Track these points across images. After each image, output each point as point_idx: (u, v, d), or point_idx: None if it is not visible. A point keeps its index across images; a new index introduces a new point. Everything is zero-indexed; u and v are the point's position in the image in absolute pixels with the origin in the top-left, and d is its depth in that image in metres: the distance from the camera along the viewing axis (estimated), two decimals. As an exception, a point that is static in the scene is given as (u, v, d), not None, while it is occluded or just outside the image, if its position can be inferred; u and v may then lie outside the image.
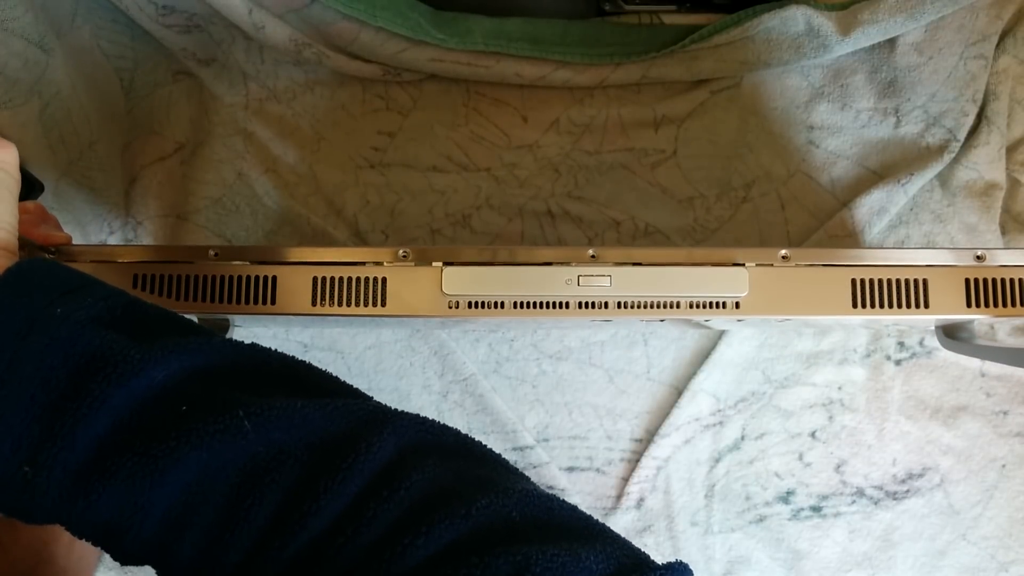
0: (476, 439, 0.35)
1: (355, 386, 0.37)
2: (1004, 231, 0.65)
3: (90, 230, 0.64)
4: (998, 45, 0.65)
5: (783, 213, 0.66)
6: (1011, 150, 0.65)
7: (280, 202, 0.66)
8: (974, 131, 0.65)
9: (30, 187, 0.57)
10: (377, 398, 0.36)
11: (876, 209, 0.64)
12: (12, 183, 0.37)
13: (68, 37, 0.60)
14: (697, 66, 0.65)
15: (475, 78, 0.66)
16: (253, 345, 0.35)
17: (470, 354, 0.65)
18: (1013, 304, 0.47)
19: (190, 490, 0.30)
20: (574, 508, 0.33)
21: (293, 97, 0.68)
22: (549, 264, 0.47)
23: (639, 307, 0.47)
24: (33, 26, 0.55)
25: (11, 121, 0.55)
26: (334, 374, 0.37)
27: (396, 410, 0.35)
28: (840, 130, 0.67)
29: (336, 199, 0.66)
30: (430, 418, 0.35)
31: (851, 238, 0.64)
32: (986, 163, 0.64)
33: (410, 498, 0.30)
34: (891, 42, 0.66)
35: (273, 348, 0.36)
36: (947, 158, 0.64)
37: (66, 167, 0.61)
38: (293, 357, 0.36)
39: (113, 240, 0.65)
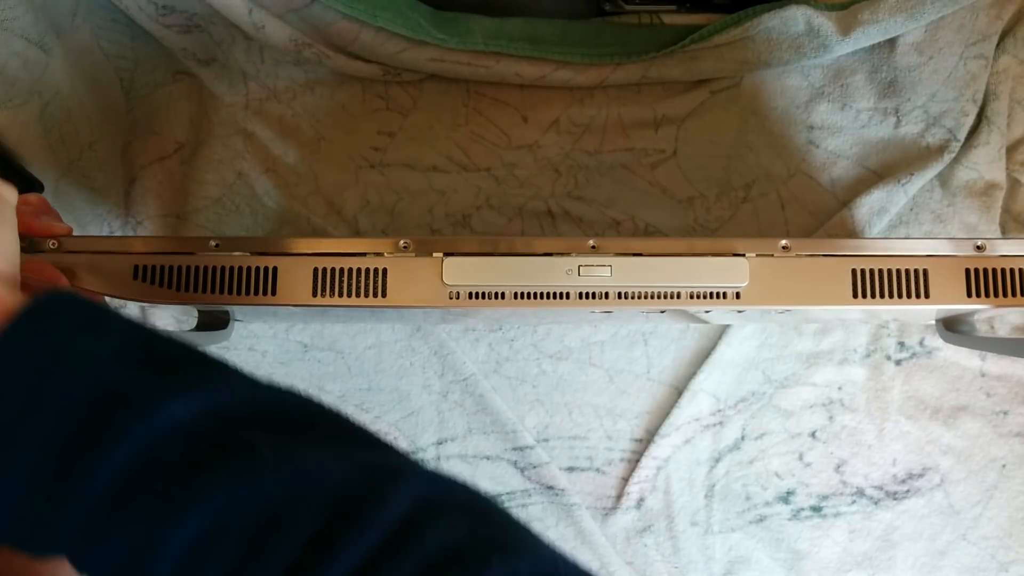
0: (483, 492, 0.35)
1: (370, 423, 0.37)
2: (1004, 231, 0.65)
3: (90, 230, 0.64)
4: (998, 45, 0.65)
5: (783, 213, 0.66)
6: (1011, 150, 0.65)
7: (280, 202, 0.66)
8: (974, 131, 0.65)
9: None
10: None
11: (876, 209, 0.64)
12: (11, 213, 0.38)
13: (68, 37, 0.60)
14: (697, 66, 0.65)
15: (475, 78, 0.66)
16: (272, 386, 0.35)
17: (470, 354, 0.65)
18: (1014, 294, 0.47)
19: (205, 534, 0.30)
20: (576, 567, 0.34)
21: (293, 97, 0.68)
22: (550, 255, 0.47)
23: (640, 297, 0.47)
24: (33, 26, 0.55)
25: (11, 121, 0.55)
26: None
27: (411, 462, 0.35)
28: (840, 130, 0.67)
29: (336, 199, 0.66)
30: (442, 472, 0.35)
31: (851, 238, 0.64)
32: (986, 163, 0.64)
33: (425, 557, 0.30)
34: (891, 42, 0.66)
35: (297, 388, 0.35)
36: (947, 158, 0.64)
37: (66, 167, 0.61)
38: (311, 400, 0.35)
39: (113, 240, 0.65)
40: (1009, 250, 0.48)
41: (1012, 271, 0.47)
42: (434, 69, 0.65)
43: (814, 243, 0.48)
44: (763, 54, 0.64)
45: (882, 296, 0.47)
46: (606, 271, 0.47)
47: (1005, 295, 0.47)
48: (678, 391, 0.64)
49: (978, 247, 0.48)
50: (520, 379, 0.65)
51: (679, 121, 0.67)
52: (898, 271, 0.47)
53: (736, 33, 0.63)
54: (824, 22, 0.62)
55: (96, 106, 0.63)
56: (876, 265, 0.47)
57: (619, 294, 0.47)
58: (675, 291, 0.47)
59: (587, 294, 0.47)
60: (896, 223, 0.65)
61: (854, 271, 0.47)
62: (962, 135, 0.65)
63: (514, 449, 0.64)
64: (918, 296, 0.47)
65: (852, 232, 0.64)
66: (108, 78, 0.66)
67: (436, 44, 0.63)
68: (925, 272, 0.47)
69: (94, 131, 0.62)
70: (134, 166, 0.67)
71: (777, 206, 0.66)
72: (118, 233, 0.65)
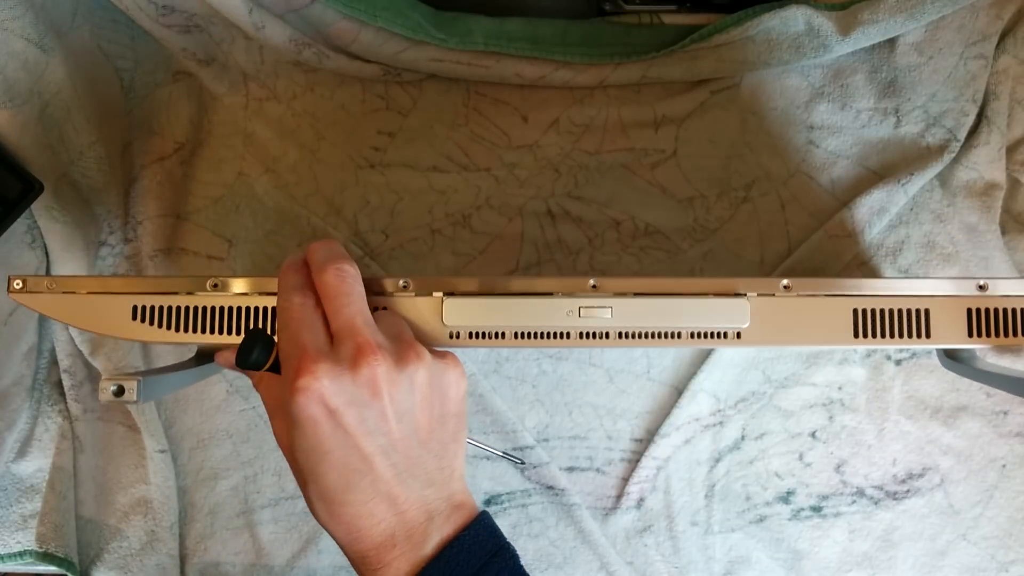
0: None
1: None
2: (1004, 231, 0.65)
3: (90, 230, 0.64)
4: (998, 45, 0.65)
5: (783, 213, 0.66)
6: (1011, 150, 0.65)
7: (280, 202, 0.66)
8: (974, 131, 0.65)
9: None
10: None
11: (876, 209, 0.64)
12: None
13: (68, 37, 0.60)
14: (697, 66, 0.65)
15: (475, 78, 0.66)
16: None
17: (470, 354, 0.65)
18: (1015, 334, 0.47)
19: None
20: None
21: (293, 97, 0.68)
22: (550, 295, 0.48)
23: (641, 337, 0.48)
24: (33, 26, 0.55)
25: (11, 121, 0.55)
26: None
27: None
28: (840, 130, 0.66)
29: (336, 199, 0.66)
30: None
31: (851, 238, 0.64)
32: (986, 163, 0.64)
33: None
34: (891, 42, 0.66)
35: None
36: (947, 158, 0.64)
37: (66, 167, 0.61)
38: None
39: (113, 240, 0.65)
40: (1011, 290, 0.48)
41: (1014, 311, 0.47)
42: (434, 69, 0.65)
43: (815, 283, 0.48)
44: (763, 54, 0.64)
45: (883, 336, 0.48)
46: (607, 312, 0.47)
47: (1007, 335, 0.47)
48: (678, 391, 0.64)
49: (980, 286, 0.48)
50: (520, 379, 0.65)
51: (679, 121, 0.67)
52: (899, 311, 0.48)
53: (736, 33, 0.63)
54: (824, 22, 0.62)
55: (96, 106, 0.63)
56: (877, 305, 0.48)
57: (620, 334, 0.48)
58: (676, 331, 0.48)
59: (588, 334, 0.48)
60: (896, 223, 0.65)
61: (855, 311, 0.48)
62: (962, 135, 0.65)
63: (514, 449, 0.64)
64: (919, 336, 0.48)
65: (852, 232, 0.64)
66: (108, 78, 0.66)
67: (436, 44, 0.63)
68: (927, 312, 0.48)
69: (94, 131, 0.62)
70: (134, 166, 0.67)
71: (777, 206, 0.66)
72: (118, 233, 0.65)
